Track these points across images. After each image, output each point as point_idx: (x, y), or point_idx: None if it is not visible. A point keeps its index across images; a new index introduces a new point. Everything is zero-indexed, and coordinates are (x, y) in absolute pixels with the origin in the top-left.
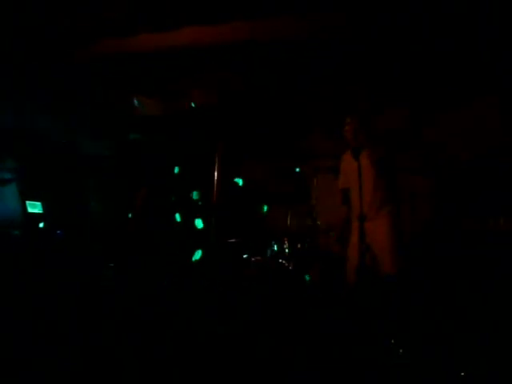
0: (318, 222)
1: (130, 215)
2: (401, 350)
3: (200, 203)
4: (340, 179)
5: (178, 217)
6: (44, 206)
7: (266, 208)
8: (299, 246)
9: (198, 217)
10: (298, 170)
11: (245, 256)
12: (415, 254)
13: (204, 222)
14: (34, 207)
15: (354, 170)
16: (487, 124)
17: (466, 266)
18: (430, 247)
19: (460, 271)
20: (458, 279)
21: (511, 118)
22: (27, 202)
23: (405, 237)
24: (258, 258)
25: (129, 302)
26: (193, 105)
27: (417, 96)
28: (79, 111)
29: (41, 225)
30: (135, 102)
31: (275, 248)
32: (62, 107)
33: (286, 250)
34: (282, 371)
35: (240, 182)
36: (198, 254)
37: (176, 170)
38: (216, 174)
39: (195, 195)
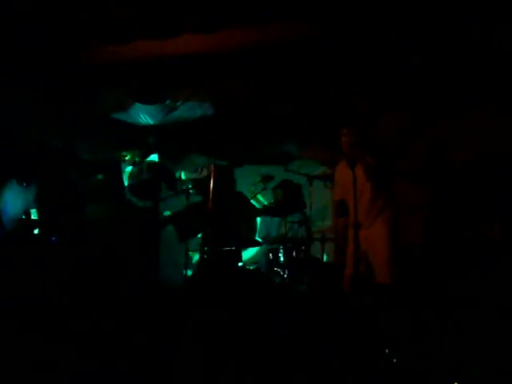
0: (313, 231)
1: None
2: (395, 360)
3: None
4: (335, 190)
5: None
6: (39, 212)
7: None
8: (294, 254)
9: None
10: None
11: (240, 264)
12: (412, 262)
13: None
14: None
15: (349, 180)
16: (488, 128)
17: (463, 275)
18: (427, 255)
19: (457, 280)
20: (455, 288)
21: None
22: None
23: (401, 244)
24: (254, 266)
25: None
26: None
27: (418, 98)
28: (77, 114)
29: (35, 231)
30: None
31: (270, 256)
32: (59, 109)
33: (281, 258)
34: (281, 375)
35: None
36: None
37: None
38: (212, 182)
39: None
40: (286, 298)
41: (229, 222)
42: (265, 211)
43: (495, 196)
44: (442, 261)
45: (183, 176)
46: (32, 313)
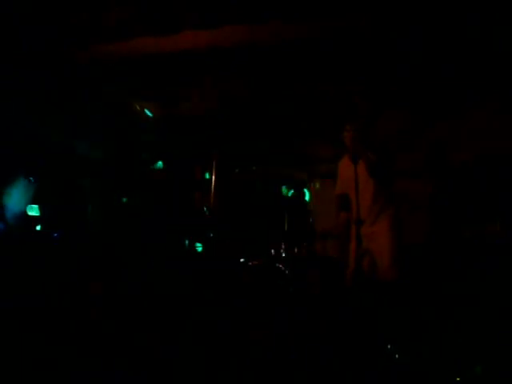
0: (315, 227)
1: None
2: (397, 355)
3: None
4: (337, 185)
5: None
6: (41, 209)
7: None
8: (296, 250)
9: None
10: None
11: (242, 260)
12: (413, 259)
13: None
14: (32, 210)
15: (352, 177)
16: (488, 128)
17: (464, 273)
18: (427, 254)
19: (458, 277)
20: (455, 288)
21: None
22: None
23: (404, 241)
24: (255, 262)
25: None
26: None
27: (418, 98)
28: (77, 113)
29: (38, 227)
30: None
31: (272, 252)
32: (59, 109)
33: (283, 255)
34: (281, 375)
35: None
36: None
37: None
38: (213, 179)
39: None
40: (287, 295)
41: (233, 218)
42: (268, 206)
43: (495, 196)
44: (442, 261)
45: None
46: (32, 313)
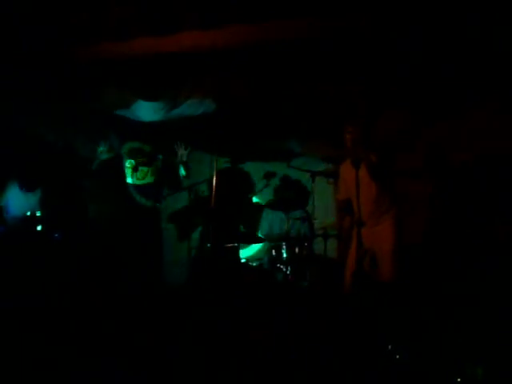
0: (316, 227)
1: None
2: (397, 356)
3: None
4: (339, 190)
5: None
6: (42, 210)
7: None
8: (297, 250)
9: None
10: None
11: (243, 261)
12: (413, 259)
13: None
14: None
15: (353, 179)
16: (488, 128)
17: (464, 273)
18: (427, 255)
19: (458, 277)
20: (455, 288)
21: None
22: None
23: (404, 241)
24: (257, 263)
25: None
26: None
27: (418, 98)
28: (77, 113)
29: (38, 228)
30: None
31: (273, 253)
32: (59, 108)
33: (284, 255)
34: (281, 375)
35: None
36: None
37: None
38: (214, 178)
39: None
40: (288, 295)
41: (231, 218)
42: (269, 206)
43: (495, 196)
44: (442, 261)
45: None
46: (32, 313)
